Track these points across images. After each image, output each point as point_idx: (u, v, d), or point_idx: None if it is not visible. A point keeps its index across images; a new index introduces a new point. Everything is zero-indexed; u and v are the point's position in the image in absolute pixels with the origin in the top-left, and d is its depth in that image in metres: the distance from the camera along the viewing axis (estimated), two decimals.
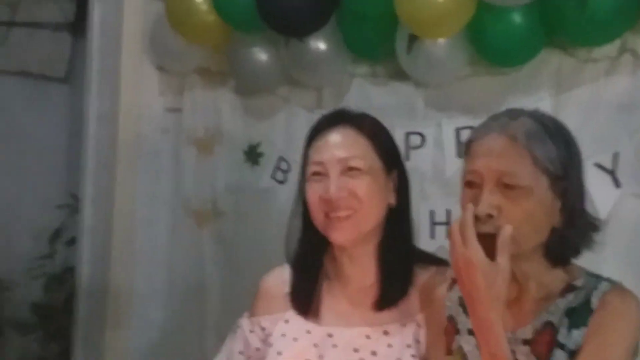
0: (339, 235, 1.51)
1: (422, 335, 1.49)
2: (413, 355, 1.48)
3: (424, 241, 2.15)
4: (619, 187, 2.03)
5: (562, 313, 1.30)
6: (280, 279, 1.64)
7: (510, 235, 1.25)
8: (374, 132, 1.56)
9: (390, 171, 1.56)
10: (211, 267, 2.68)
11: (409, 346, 1.49)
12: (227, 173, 2.67)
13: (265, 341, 1.59)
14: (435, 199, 2.25)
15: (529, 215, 1.28)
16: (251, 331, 1.62)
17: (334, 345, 1.51)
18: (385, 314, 1.53)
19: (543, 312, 1.32)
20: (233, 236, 2.64)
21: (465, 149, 1.37)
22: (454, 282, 1.44)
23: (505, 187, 1.28)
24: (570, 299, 1.31)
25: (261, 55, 2.46)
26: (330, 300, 1.58)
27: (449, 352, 1.41)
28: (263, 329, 1.60)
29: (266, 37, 2.42)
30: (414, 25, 2.12)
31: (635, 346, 1.28)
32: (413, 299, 1.53)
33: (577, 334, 1.27)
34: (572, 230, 1.32)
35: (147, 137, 2.78)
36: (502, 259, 1.25)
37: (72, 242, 2.99)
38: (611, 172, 2.03)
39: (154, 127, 2.78)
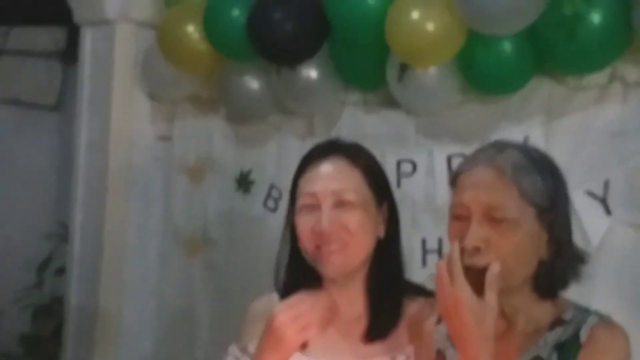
0: (329, 268, 1.49)
1: None
2: None
3: (416, 269, 2.14)
4: (610, 214, 2.02)
5: (551, 347, 1.28)
6: (269, 305, 1.60)
7: (498, 272, 1.24)
8: (367, 163, 1.55)
9: (381, 203, 1.55)
10: (201, 296, 2.65)
11: None
12: (218, 201, 2.66)
13: None
14: (427, 227, 2.23)
15: (516, 247, 1.27)
16: (237, 358, 1.59)
17: None
18: (375, 347, 1.50)
19: (532, 347, 1.30)
20: (224, 265, 2.62)
21: (452, 182, 1.36)
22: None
23: (493, 220, 1.27)
24: (559, 333, 1.29)
25: (252, 83, 2.47)
26: None
27: None
28: (250, 354, 1.58)
29: (257, 65, 2.42)
30: (405, 54, 2.13)
31: None
32: (402, 331, 1.51)
33: None
34: (560, 262, 1.31)
35: (138, 165, 2.77)
36: (491, 297, 1.23)
37: (60, 271, 2.95)
38: (602, 200, 2.02)
39: (145, 155, 2.78)
